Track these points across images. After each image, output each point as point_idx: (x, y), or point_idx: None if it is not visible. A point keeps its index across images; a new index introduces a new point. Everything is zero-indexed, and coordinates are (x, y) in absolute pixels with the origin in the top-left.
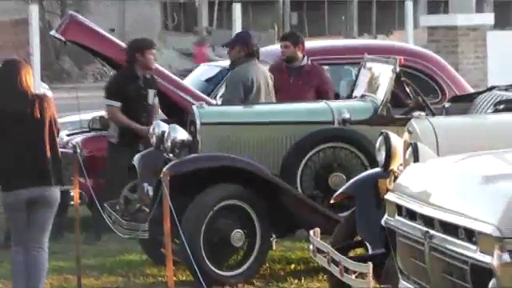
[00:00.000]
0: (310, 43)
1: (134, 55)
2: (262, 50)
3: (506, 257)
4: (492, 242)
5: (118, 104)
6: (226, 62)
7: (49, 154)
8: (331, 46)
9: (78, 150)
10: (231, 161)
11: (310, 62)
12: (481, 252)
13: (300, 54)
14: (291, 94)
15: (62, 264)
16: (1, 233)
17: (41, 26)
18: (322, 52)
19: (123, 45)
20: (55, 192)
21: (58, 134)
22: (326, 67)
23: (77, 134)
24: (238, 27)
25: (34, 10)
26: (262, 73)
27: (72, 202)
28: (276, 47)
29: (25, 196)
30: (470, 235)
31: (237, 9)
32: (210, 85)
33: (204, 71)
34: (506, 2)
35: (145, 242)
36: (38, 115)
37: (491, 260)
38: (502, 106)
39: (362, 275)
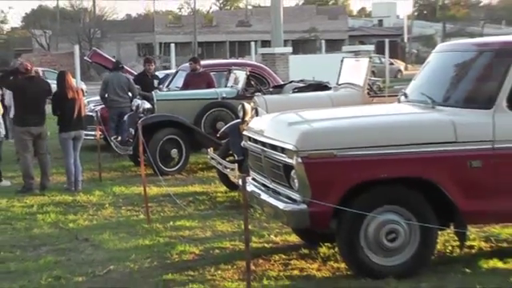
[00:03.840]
0: (206, 62)
1: (146, 64)
2: (184, 65)
3: (299, 160)
4: (292, 153)
5: (138, 87)
6: (167, 71)
7: (83, 114)
8: (216, 63)
9: (99, 114)
10: (171, 118)
11: (203, 70)
12: (288, 158)
13: (198, 67)
14: (196, 86)
15: (92, 166)
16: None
17: (80, 55)
18: (212, 66)
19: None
20: (83, 133)
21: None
22: (213, 73)
23: (97, 105)
24: (173, 55)
25: (76, 48)
26: (116, 77)
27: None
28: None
29: (73, 134)
30: (283, 150)
31: (172, 46)
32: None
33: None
34: (297, 42)
35: (131, 156)
36: (79, 97)
37: (292, 161)
38: (296, 90)
39: (233, 170)
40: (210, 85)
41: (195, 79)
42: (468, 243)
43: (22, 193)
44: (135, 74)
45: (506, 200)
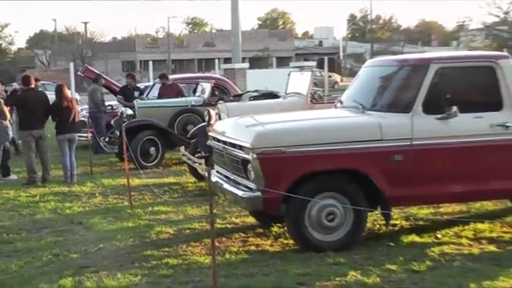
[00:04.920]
0: (178, 75)
1: (127, 78)
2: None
3: (254, 155)
4: (248, 150)
5: (121, 97)
6: (144, 84)
7: (76, 120)
8: (187, 76)
9: (90, 119)
10: (149, 122)
11: (173, 82)
12: (245, 154)
13: (166, 81)
14: (168, 95)
15: (84, 162)
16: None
17: (74, 71)
18: (183, 79)
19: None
20: (77, 136)
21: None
22: (183, 85)
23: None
24: (150, 71)
25: (71, 65)
26: (90, 88)
27: (86, 139)
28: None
29: (68, 136)
30: (241, 148)
31: (150, 63)
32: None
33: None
34: (253, 59)
35: (117, 154)
36: (73, 106)
37: (248, 156)
38: (252, 98)
39: (200, 164)
40: (179, 94)
41: (167, 90)
42: (392, 222)
43: (26, 185)
44: (120, 86)
45: (422, 187)
